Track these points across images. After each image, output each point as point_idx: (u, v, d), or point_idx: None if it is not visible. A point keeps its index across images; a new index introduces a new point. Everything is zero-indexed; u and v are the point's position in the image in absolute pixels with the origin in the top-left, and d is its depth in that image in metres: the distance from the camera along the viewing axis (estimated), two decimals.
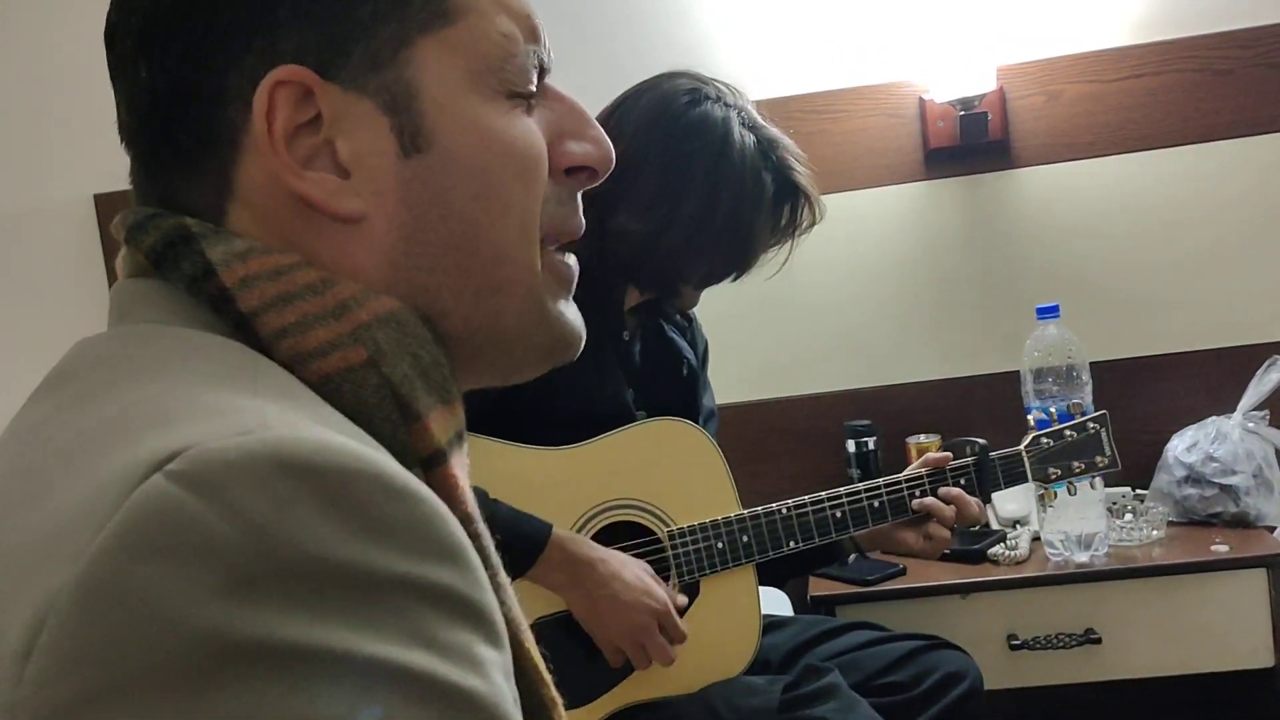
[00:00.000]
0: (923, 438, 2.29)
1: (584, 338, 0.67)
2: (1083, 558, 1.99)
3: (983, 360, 2.32)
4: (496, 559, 0.58)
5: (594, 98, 2.32)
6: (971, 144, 2.26)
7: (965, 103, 2.23)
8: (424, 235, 0.60)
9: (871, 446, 2.27)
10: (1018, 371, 2.07)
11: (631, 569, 1.47)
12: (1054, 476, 1.69)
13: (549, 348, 0.65)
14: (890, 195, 2.34)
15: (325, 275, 0.57)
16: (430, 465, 0.57)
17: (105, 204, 2.56)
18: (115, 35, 0.62)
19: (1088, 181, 2.30)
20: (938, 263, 2.35)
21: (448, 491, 0.57)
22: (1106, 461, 1.72)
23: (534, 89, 0.64)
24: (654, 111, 1.52)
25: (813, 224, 1.60)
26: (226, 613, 0.41)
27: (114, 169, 2.45)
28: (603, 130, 0.67)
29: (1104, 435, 1.71)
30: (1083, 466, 1.69)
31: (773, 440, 2.38)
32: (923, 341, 2.36)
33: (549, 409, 1.48)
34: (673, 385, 1.69)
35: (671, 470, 1.56)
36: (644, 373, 1.66)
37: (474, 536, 0.56)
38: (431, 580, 0.45)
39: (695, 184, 1.49)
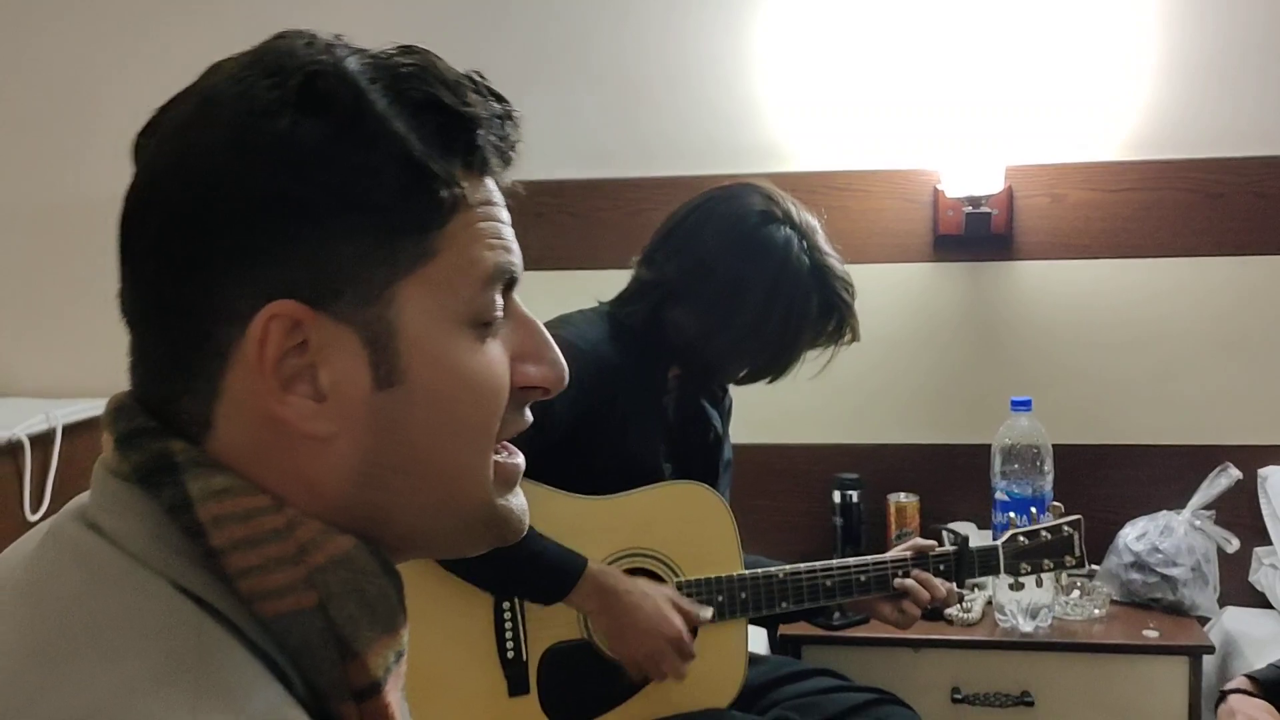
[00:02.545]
0: (902, 496, 2.52)
1: (526, 524, 0.73)
2: (1028, 627, 2.22)
3: (962, 431, 2.53)
4: None
5: (635, 162, 2.55)
6: (970, 235, 2.47)
7: (973, 200, 2.44)
8: (384, 459, 0.66)
9: (856, 499, 2.50)
10: (990, 445, 2.30)
11: (653, 600, 1.69)
12: (1025, 571, 1.87)
13: (495, 538, 0.72)
14: (899, 272, 2.56)
15: (290, 517, 0.63)
16: (363, 697, 0.64)
17: None
18: (129, 226, 0.66)
19: (1080, 280, 2.50)
20: (934, 338, 2.57)
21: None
22: (1075, 562, 1.89)
23: (500, 315, 0.68)
24: (728, 224, 1.74)
25: (853, 340, 1.83)
26: None
27: None
28: (559, 353, 0.72)
29: (1076, 538, 1.88)
30: (1052, 564, 1.88)
31: (770, 480, 2.62)
32: (912, 408, 2.58)
33: (592, 462, 1.72)
34: (698, 446, 1.93)
35: (688, 528, 1.80)
36: (675, 429, 1.90)
37: None
38: None
39: (752, 298, 1.72)
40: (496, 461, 0.70)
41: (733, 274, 1.72)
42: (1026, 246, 2.52)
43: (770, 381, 1.84)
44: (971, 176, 2.43)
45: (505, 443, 0.72)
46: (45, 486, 2.55)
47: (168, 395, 0.66)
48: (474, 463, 0.68)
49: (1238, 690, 1.63)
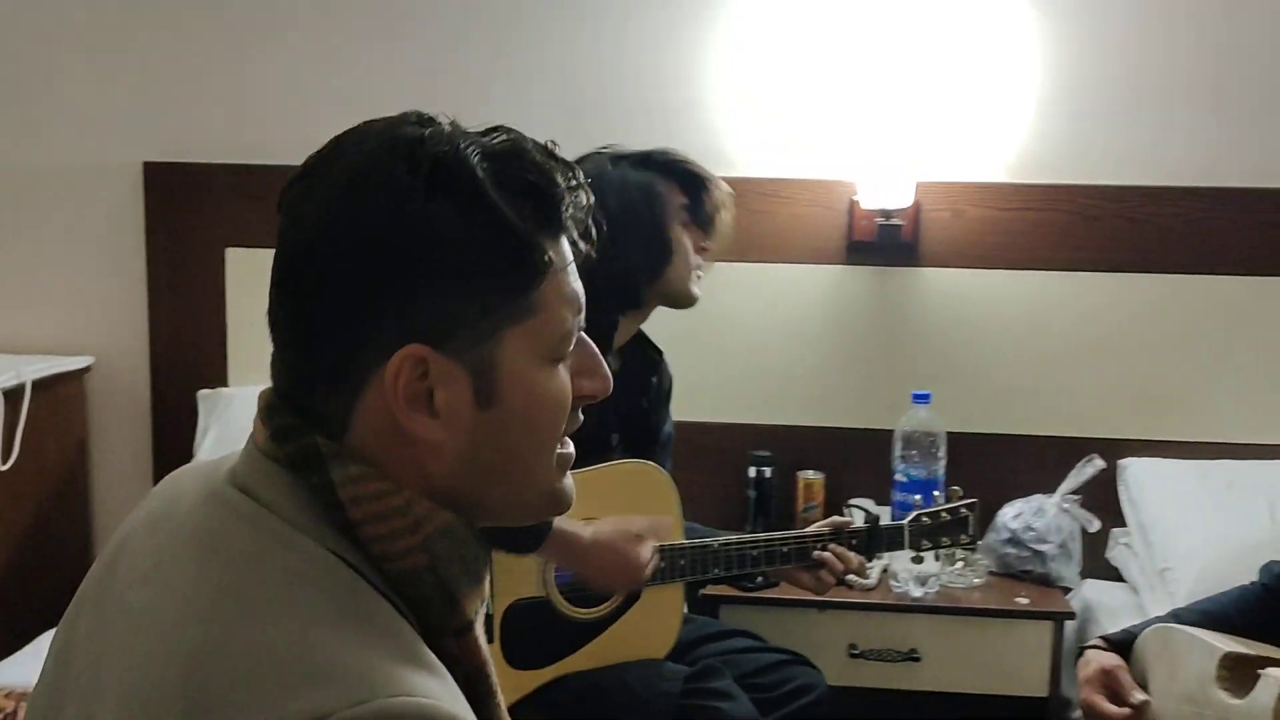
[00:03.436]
0: (810, 474, 2.81)
1: (573, 500, 0.91)
2: (918, 593, 2.53)
3: (868, 418, 2.83)
4: (496, 687, 0.88)
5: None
6: (881, 244, 2.77)
7: (886, 212, 2.73)
8: (480, 460, 0.84)
9: (769, 475, 2.78)
10: (893, 430, 2.60)
11: (602, 544, 1.92)
12: (926, 547, 2.16)
13: (551, 512, 0.91)
14: (816, 273, 2.85)
15: (408, 498, 0.82)
16: (461, 634, 0.84)
17: (153, 172, 2.95)
18: (292, 265, 0.82)
19: (975, 287, 2.82)
20: (844, 332, 2.86)
21: (471, 652, 0.85)
22: (969, 540, 2.18)
23: (572, 349, 0.87)
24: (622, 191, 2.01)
25: (722, 205, 2.10)
26: None
27: (166, 141, 2.95)
28: (604, 364, 0.91)
29: (971, 519, 2.16)
30: (950, 542, 2.17)
31: (692, 455, 2.86)
32: (822, 394, 2.88)
33: None
34: (635, 409, 2.17)
35: (638, 502, 2.05)
36: (615, 395, 2.15)
37: (485, 679, 0.86)
38: None
39: (644, 223, 2.01)
40: (557, 454, 0.89)
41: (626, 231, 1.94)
42: (930, 255, 2.82)
43: (671, 293, 2.09)
44: (885, 191, 2.71)
45: None
46: (14, 439, 2.69)
47: (311, 399, 0.83)
48: (545, 460, 0.88)
49: (1094, 647, 1.94)
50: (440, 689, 0.76)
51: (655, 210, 2.04)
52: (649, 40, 2.83)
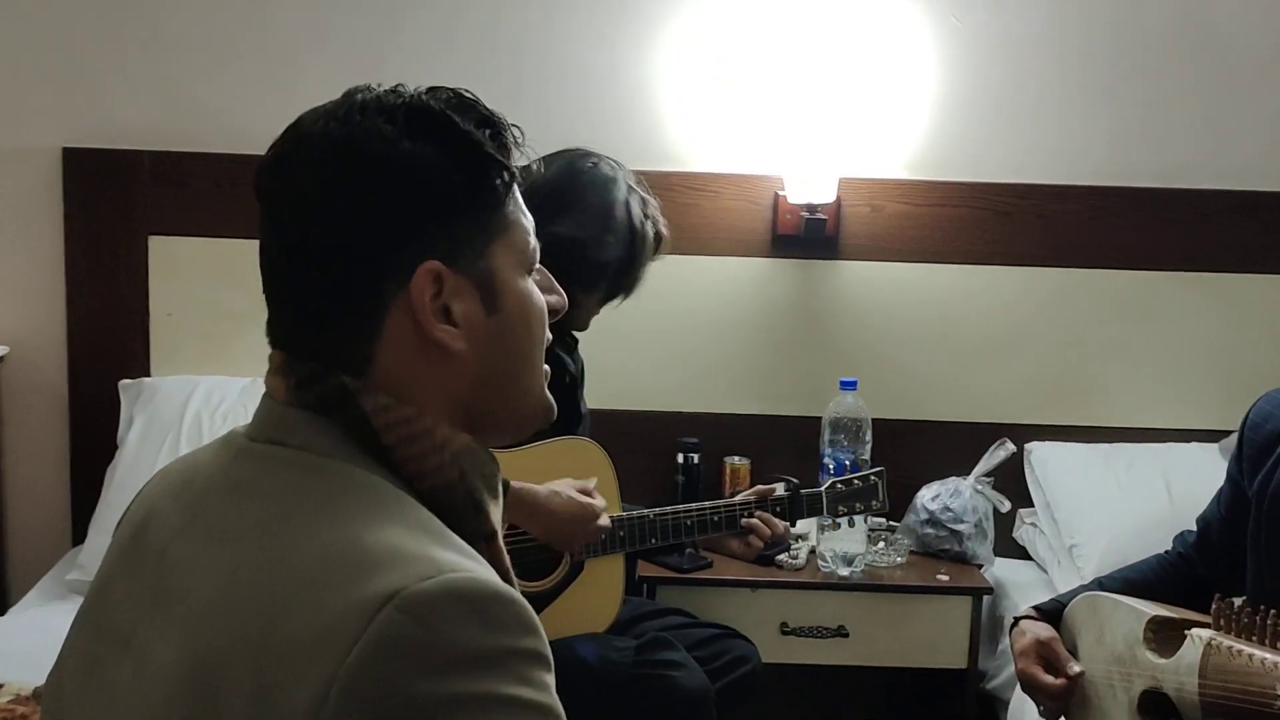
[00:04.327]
0: (736, 459, 2.91)
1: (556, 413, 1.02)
2: (844, 572, 2.64)
3: (791, 404, 2.93)
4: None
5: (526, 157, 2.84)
6: (807, 238, 2.87)
7: (810, 207, 2.83)
8: (492, 369, 0.94)
9: (696, 460, 2.86)
10: (818, 418, 2.71)
11: (562, 496, 2.01)
12: (842, 512, 2.29)
13: (543, 422, 1.01)
14: (741, 264, 2.94)
15: (430, 422, 0.90)
16: (489, 540, 0.92)
17: (72, 158, 2.90)
18: (302, 233, 0.90)
19: (894, 280, 2.94)
20: (769, 322, 2.95)
21: (498, 558, 0.92)
22: (880, 505, 2.34)
23: (537, 263, 0.99)
24: (569, 162, 2.16)
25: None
26: (432, 684, 0.76)
27: (86, 126, 2.90)
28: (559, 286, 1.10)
29: (881, 486, 2.32)
30: (863, 507, 2.31)
31: (620, 442, 2.89)
32: (747, 383, 2.97)
33: None
34: (563, 390, 2.23)
35: (577, 476, 2.10)
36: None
37: (511, 583, 0.89)
38: (528, 648, 0.81)
39: (619, 215, 2.13)
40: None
41: (593, 195, 2.13)
42: (850, 249, 2.94)
43: (624, 299, 2.22)
44: (810, 186, 2.81)
45: None
46: None
47: (329, 346, 0.90)
48: (538, 367, 0.99)
49: (1026, 616, 2.06)
50: (493, 577, 0.84)
51: (645, 255, 2.20)
52: (596, 30, 2.88)
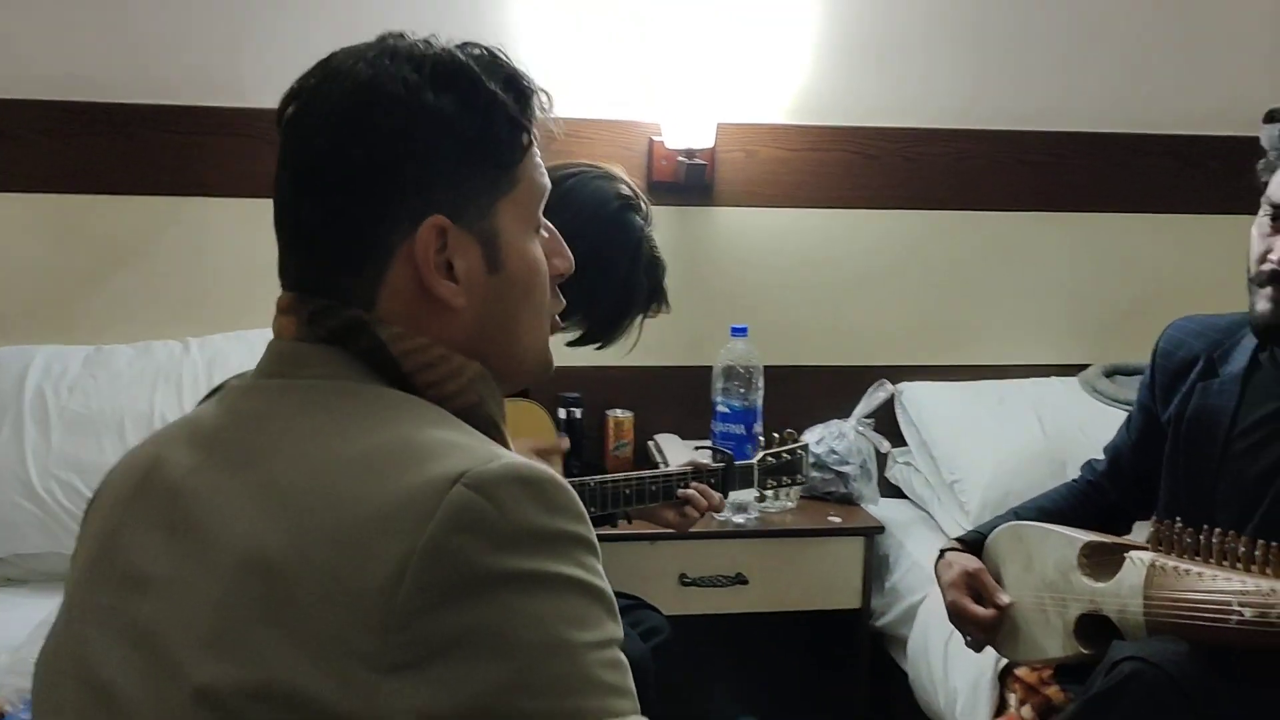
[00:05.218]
0: (619, 412, 2.84)
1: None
2: (740, 519, 2.62)
3: (676, 355, 2.88)
4: None
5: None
6: (687, 184, 2.82)
7: (689, 153, 2.78)
8: (490, 323, 0.95)
9: (579, 415, 2.79)
10: (708, 367, 2.67)
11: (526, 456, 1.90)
12: (770, 485, 2.25)
13: (541, 375, 1.03)
14: None
15: (445, 351, 0.92)
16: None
17: None
18: (313, 170, 0.91)
19: (770, 225, 2.92)
20: None
21: None
22: (802, 478, 2.29)
23: (541, 222, 1.00)
24: (595, 200, 1.98)
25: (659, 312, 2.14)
26: (501, 559, 0.78)
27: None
28: (567, 248, 1.04)
29: (805, 459, 2.29)
30: (790, 480, 2.26)
31: None
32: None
33: None
34: None
35: (525, 439, 2.00)
36: None
37: None
38: (582, 534, 0.83)
39: (618, 270, 1.97)
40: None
41: (597, 244, 1.84)
42: (726, 195, 2.90)
43: (599, 348, 2.07)
44: (688, 132, 2.76)
45: None
46: None
47: (336, 285, 0.91)
48: (540, 323, 1.00)
49: (951, 549, 2.09)
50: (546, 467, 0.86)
51: (634, 309, 2.06)
52: None
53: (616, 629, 0.83)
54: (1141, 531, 2.04)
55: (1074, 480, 2.16)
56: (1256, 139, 3.01)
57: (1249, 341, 1.92)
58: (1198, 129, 3.06)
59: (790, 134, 2.91)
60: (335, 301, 0.91)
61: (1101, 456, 2.14)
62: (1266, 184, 1.87)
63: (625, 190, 2.03)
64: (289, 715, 0.76)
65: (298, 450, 0.85)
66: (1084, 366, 3.01)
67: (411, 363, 0.90)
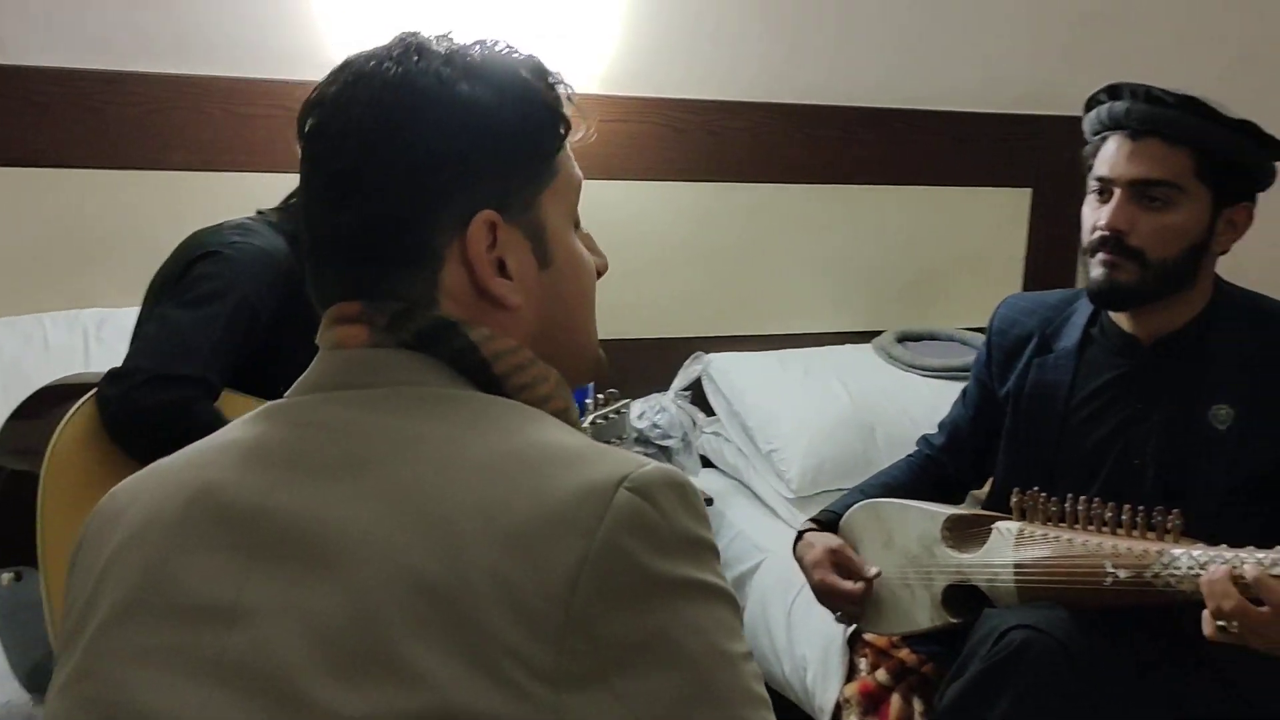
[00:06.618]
0: None
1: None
2: None
3: None
4: None
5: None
6: None
7: None
8: (551, 320, 0.94)
9: None
10: None
11: None
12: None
13: (595, 377, 1.03)
14: None
15: (531, 353, 0.90)
16: None
17: None
18: (346, 178, 0.88)
19: (583, 196, 2.88)
20: None
21: None
22: (624, 437, 2.31)
23: (579, 217, 0.99)
24: None
25: None
26: (667, 564, 0.77)
27: None
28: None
29: (627, 419, 2.30)
30: (617, 440, 2.27)
31: None
32: None
33: (296, 369, 1.77)
34: None
35: None
36: None
37: None
38: (714, 542, 0.83)
39: None
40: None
41: None
42: None
43: None
44: None
45: None
46: None
47: (393, 291, 0.88)
48: (591, 323, 1.00)
49: (808, 529, 2.14)
50: None
51: None
52: None
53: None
54: (974, 503, 2.18)
55: (910, 455, 2.25)
56: (1019, 115, 3.24)
57: (1079, 317, 2.05)
58: (968, 106, 3.24)
59: (601, 104, 2.88)
60: (405, 305, 0.88)
61: (935, 430, 2.24)
62: (1091, 166, 1.99)
63: None
64: None
65: (416, 454, 0.80)
66: (876, 333, 3.15)
67: (503, 365, 0.88)
